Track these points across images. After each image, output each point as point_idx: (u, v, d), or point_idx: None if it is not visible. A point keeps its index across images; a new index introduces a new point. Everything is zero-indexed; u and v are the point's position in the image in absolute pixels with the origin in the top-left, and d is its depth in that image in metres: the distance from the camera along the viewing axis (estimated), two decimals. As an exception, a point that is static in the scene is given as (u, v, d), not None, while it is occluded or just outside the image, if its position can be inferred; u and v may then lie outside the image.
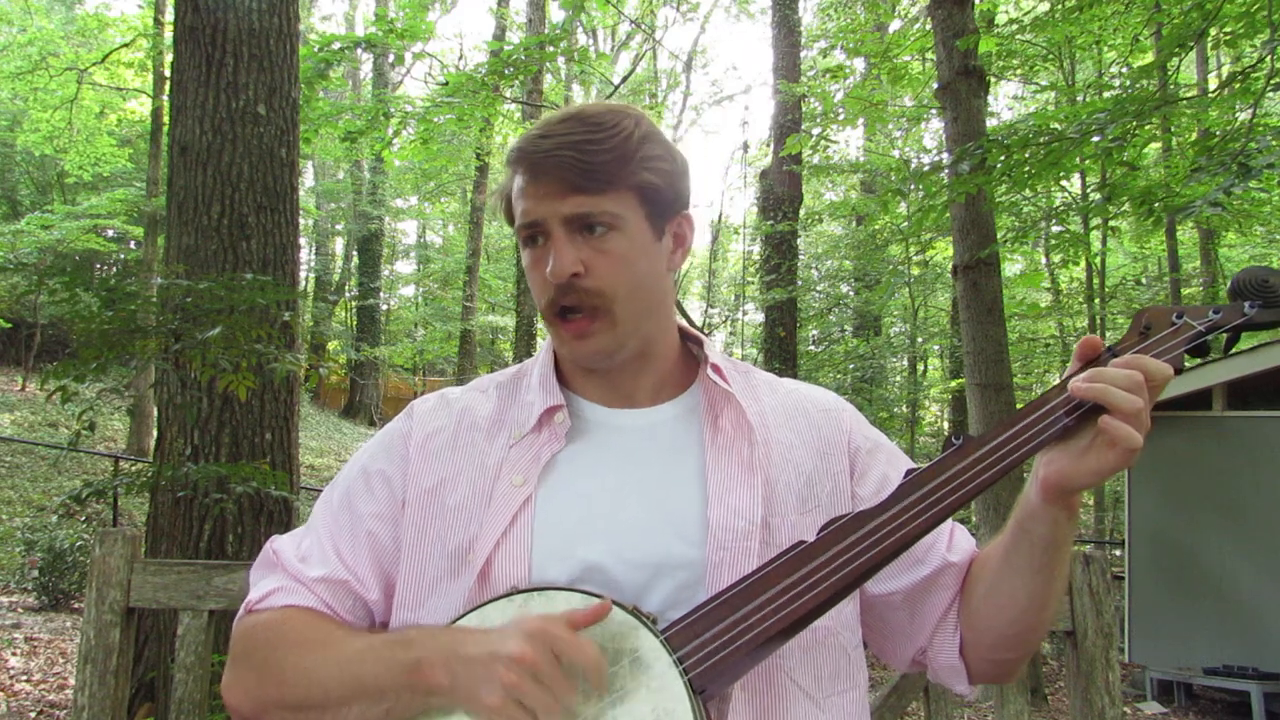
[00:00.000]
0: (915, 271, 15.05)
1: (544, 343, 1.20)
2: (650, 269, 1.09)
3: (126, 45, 14.42)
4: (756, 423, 1.11)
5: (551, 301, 1.06)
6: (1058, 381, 0.99)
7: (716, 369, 1.13)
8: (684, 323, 1.20)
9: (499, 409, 1.15)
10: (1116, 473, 0.95)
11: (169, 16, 11.41)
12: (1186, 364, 1.01)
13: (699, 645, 0.92)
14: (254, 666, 1.03)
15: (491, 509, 1.05)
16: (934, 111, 11.90)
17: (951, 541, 1.13)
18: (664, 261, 1.11)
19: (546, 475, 1.07)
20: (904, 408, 15.97)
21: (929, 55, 10.01)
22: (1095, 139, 5.65)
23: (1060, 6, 8.70)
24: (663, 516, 1.04)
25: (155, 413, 5.24)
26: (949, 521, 1.07)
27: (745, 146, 20.69)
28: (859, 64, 13.58)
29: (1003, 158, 5.78)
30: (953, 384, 14.22)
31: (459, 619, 0.98)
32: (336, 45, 9.46)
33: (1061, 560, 1.01)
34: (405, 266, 28.05)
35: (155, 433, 4.72)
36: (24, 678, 5.73)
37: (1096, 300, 13.86)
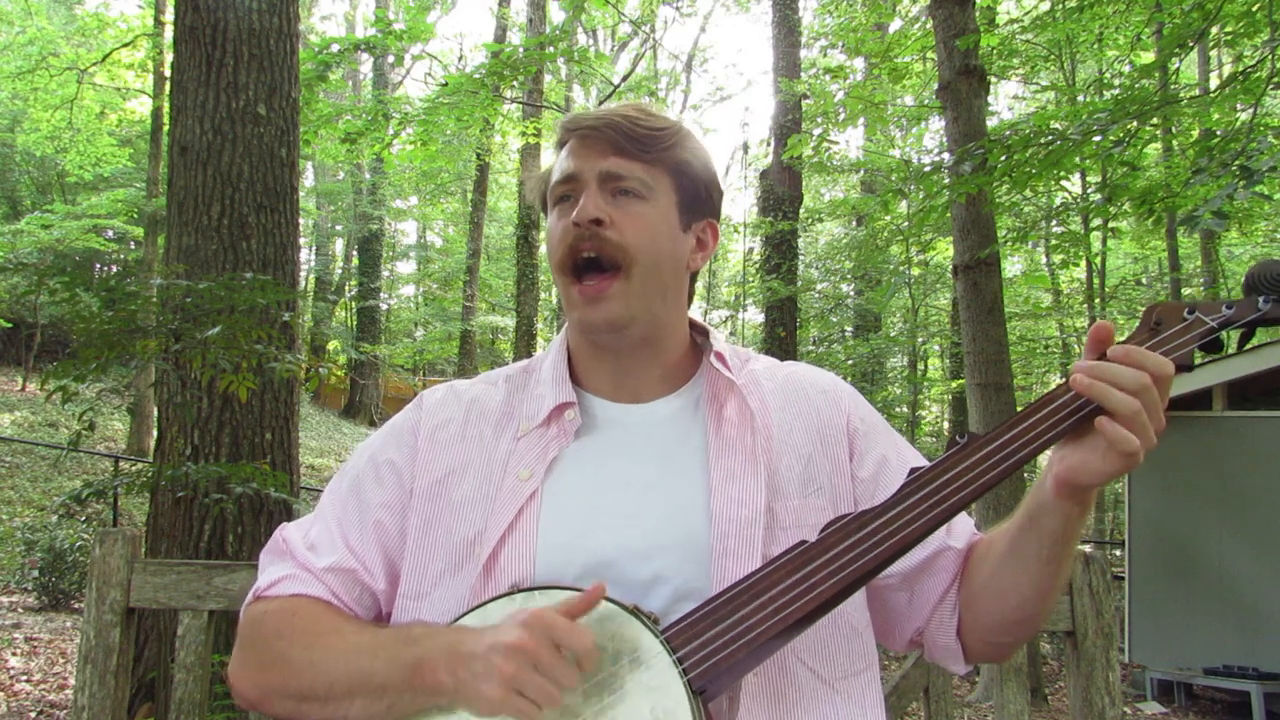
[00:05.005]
0: (915, 271, 15.04)
1: (556, 338, 1.21)
2: (672, 251, 1.12)
3: (126, 45, 14.41)
4: (758, 409, 1.12)
5: (571, 249, 1.08)
6: (1071, 372, 0.96)
7: (720, 357, 1.14)
8: (694, 316, 1.22)
9: (508, 401, 1.16)
10: (1123, 473, 0.93)
11: (169, 16, 11.41)
12: (1195, 361, 0.97)
13: (699, 645, 0.92)
14: (260, 654, 1.04)
15: (498, 502, 1.06)
16: (934, 111, 11.89)
17: (951, 525, 1.13)
18: (686, 255, 1.14)
19: (553, 470, 1.08)
20: (904, 408, 15.96)
21: (929, 55, 10.01)
22: (1096, 139, 5.64)
23: (1061, 6, 8.69)
24: (667, 511, 1.05)
25: (155, 413, 5.24)
26: None
27: (745, 146, 20.68)
28: (859, 63, 13.58)
29: (1003, 157, 5.77)
30: (953, 384, 14.21)
31: (461, 617, 0.99)
32: (336, 48, 9.45)
33: (1069, 553, 1.02)
34: (405, 266, 28.07)
35: (155, 433, 4.72)
36: (24, 678, 5.73)
37: (1097, 300, 13.85)
